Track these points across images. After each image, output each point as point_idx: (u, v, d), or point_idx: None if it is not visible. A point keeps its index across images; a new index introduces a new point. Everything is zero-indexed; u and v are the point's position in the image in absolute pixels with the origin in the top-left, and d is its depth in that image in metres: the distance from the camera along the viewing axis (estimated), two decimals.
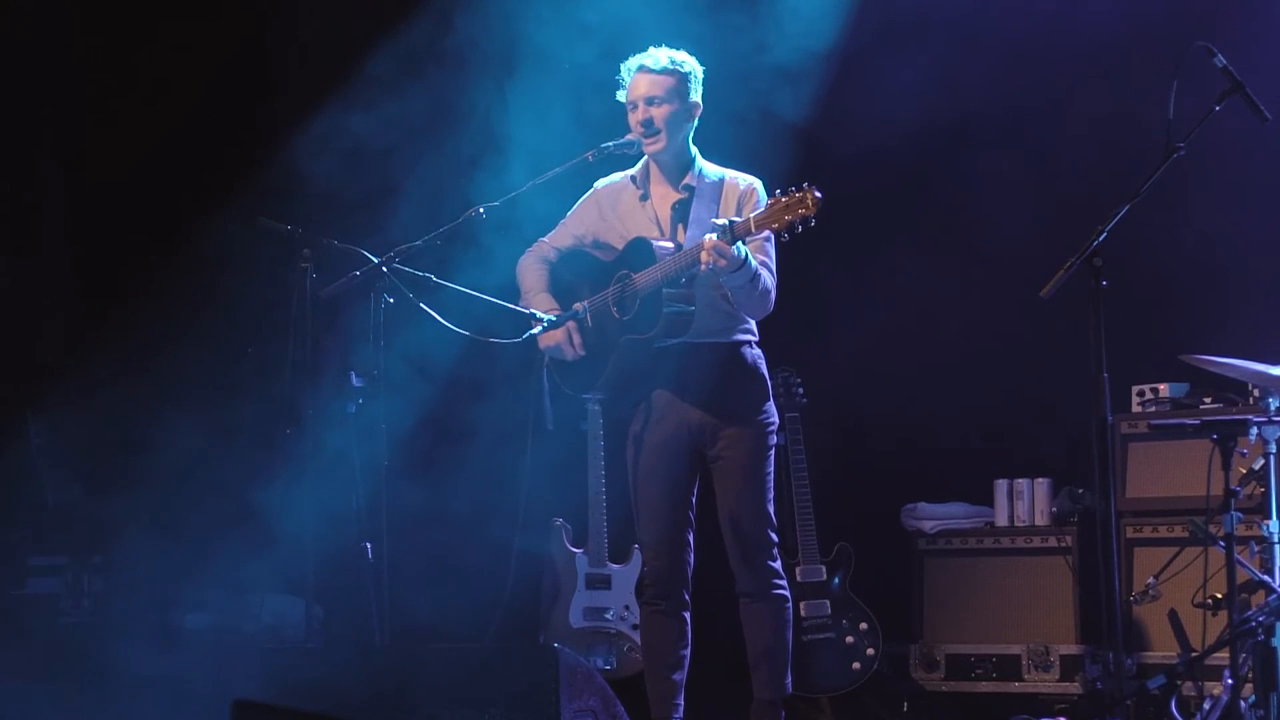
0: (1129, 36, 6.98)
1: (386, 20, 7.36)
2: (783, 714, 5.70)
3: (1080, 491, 7.07)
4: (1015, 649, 7.06)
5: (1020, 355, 7.27)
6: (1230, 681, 5.46)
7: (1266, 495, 5.60)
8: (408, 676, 5.20)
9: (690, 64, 5.68)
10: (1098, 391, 5.11)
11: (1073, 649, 6.95)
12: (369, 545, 5.67)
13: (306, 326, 5.82)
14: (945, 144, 7.40)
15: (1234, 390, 6.59)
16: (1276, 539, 5.58)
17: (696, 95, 5.67)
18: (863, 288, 7.58)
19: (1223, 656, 5.60)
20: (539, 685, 5.04)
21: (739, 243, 5.31)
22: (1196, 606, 5.87)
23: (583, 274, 5.78)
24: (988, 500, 7.31)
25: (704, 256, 5.30)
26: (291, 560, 6.17)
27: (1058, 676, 6.96)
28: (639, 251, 5.58)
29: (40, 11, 7.86)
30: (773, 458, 5.68)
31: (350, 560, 5.70)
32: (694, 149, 5.71)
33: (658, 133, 5.62)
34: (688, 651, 5.72)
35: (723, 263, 5.29)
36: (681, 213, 5.66)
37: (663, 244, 5.56)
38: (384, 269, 5.68)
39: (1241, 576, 5.52)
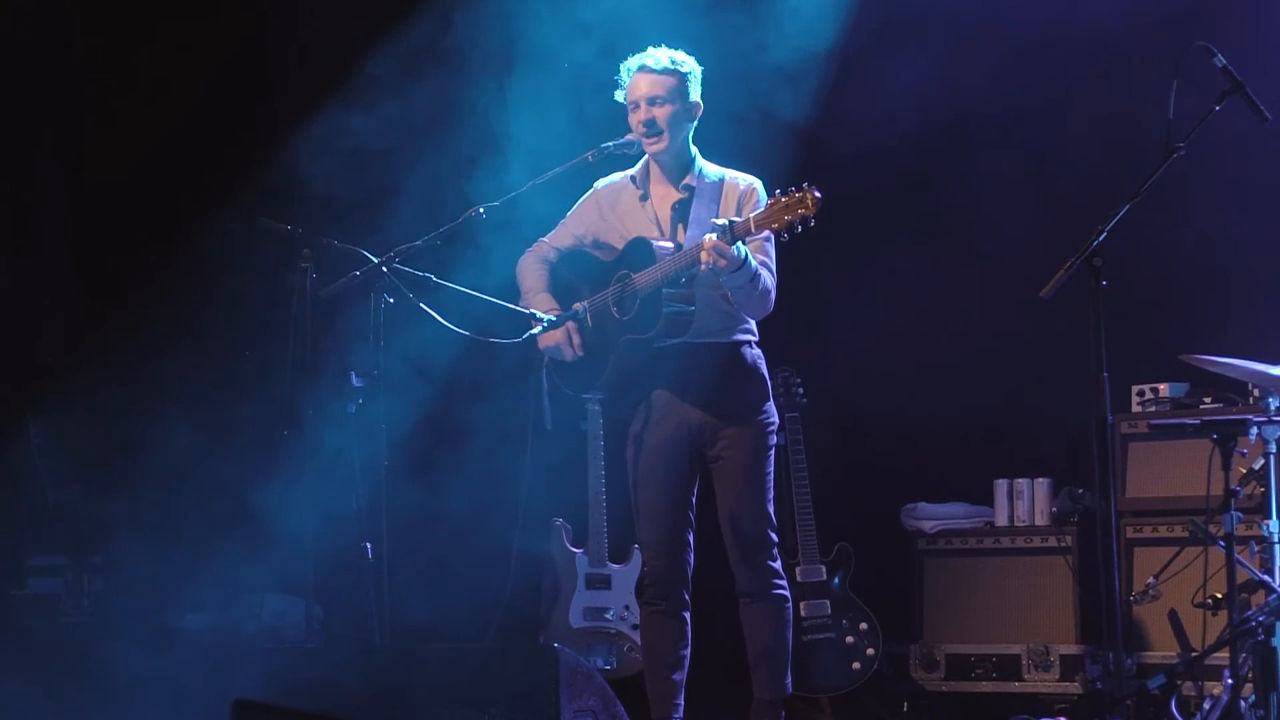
0: (1129, 36, 6.98)
1: (386, 20, 7.36)
2: (783, 714, 5.69)
3: (1080, 491, 7.07)
4: (1015, 649, 7.06)
5: (1020, 355, 7.26)
6: (1230, 681, 5.46)
7: (1266, 495, 5.59)
8: (408, 676, 5.20)
9: (690, 64, 5.68)
10: (1098, 391, 5.11)
11: (1073, 649, 6.95)
12: (369, 545, 5.67)
13: (306, 326, 5.82)
14: (945, 144, 7.40)
15: (1234, 390, 6.59)
16: (1276, 539, 5.58)
17: (697, 95, 5.67)
18: (863, 288, 7.58)
19: (1223, 656, 5.60)
20: (539, 685, 5.04)
21: (739, 243, 5.31)
22: (1196, 606, 5.87)
23: (583, 274, 5.78)
24: (988, 500, 7.31)
25: (704, 256, 5.30)
26: (291, 560, 6.17)
27: (1058, 676, 6.96)
28: (639, 251, 5.58)
29: (40, 11, 7.86)
30: (773, 458, 5.68)
31: (350, 560, 5.70)
32: (694, 149, 5.71)
33: (660, 132, 5.62)
34: (688, 651, 5.72)
35: (722, 263, 5.29)
36: (681, 213, 5.66)
37: (663, 244, 5.56)
38: (384, 269, 5.68)
39: (1241, 576, 5.51)
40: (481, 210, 5.71)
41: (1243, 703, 5.44)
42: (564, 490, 6.96)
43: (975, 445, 7.46)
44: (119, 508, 7.00)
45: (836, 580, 7.11)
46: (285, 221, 5.92)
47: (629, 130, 5.68)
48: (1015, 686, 7.04)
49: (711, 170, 5.70)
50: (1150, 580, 6.30)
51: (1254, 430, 5.57)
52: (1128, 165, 6.02)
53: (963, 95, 7.27)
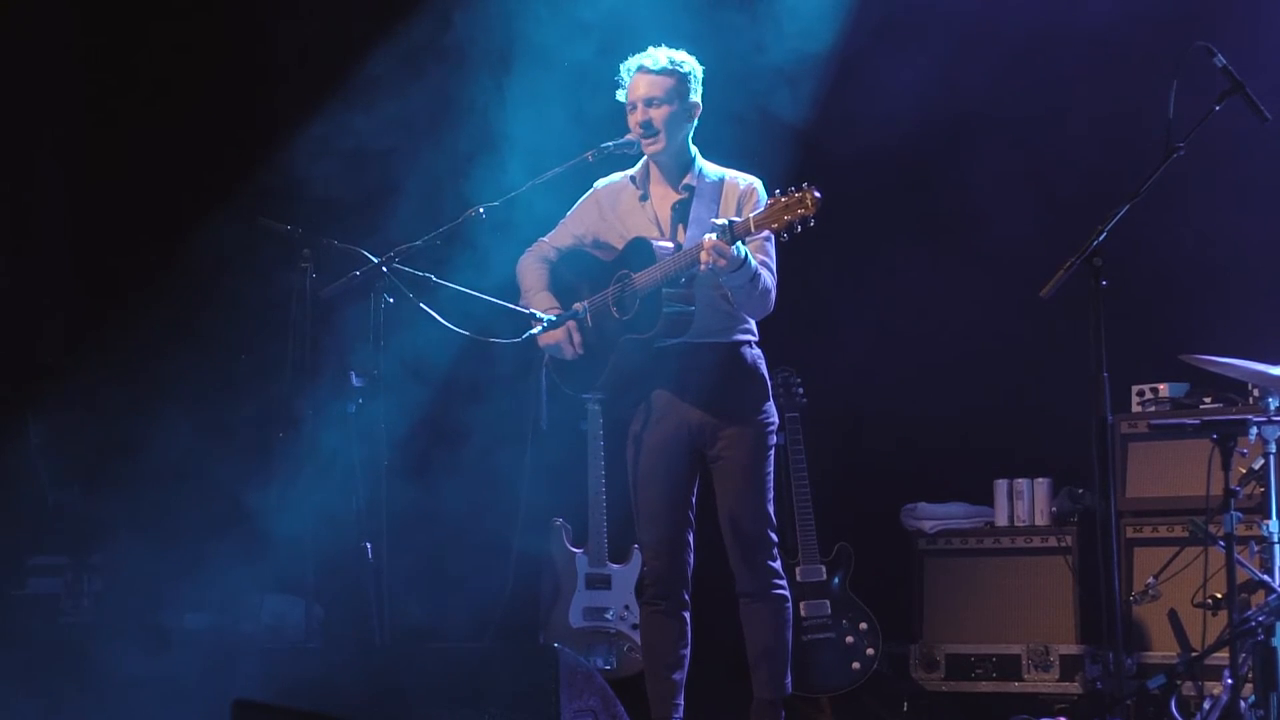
0: (1129, 36, 6.98)
1: (386, 20, 7.36)
2: (783, 714, 5.69)
3: (1080, 491, 7.07)
4: (1015, 649, 7.06)
5: (1020, 355, 7.26)
6: (1230, 681, 5.46)
7: (1266, 495, 5.60)
8: (407, 677, 5.20)
9: (690, 64, 5.67)
10: (1098, 391, 5.11)
11: (1073, 649, 6.94)
12: (369, 545, 5.67)
13: (306, 327, 5.82)
14: (945, 144, 7.40)
15: (1234, 390, 6.59)
16: (1276, 539, 5.58)
17: (696, 95, 5.66)
18: (863, 288, 7.59)
19: (1223, 656, 5.60)
20: (539, 685, 5.04)
21: (739, 242, 5.31)
22: (1196, 606, 5.87)
23: (582, 274, 5.78)
24: (988, 500, 7.31)
25: (704, 256, 5.30)
26: (291, 560, 6.17)
27: (1058, 676, 6.96)
28: (639, 251, 5.58)
29: (40, 11, 7.86)
30: (773, 458, 5.67)
31: (350, 560, 5.70)
32: (694, 149, 5.71)
33: (656, 134, 5.62)
34: (688, 651, 5.72)
35: (722, 263, 5.29)
36: (681, 213, 5.65)
37: (662, 244, 5.56)
38: (384, 269, 5.68)
39: (1241, 576, 5.51)
40: (481, 210, 5.71)
41: (1243, 703, 5.44)
42: (564, 490, 6.96)
43: (975, 445, 7.45)
44: (119, 508, 6.99)
45: (836, 580, 7.11)
46: (285, 221, 5.92)
47: (629, 130, 5.68)
48: (1015, 686, 7.04)
49: (711, 170, 5.70)
50: (1150, 580, 6.30)
51: (1254, 430, 5.57)
52: (1128, 165, 6.02)
53: (963, 95, 7.26)
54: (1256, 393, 6.31)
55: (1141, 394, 6.91)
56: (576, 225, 5.84)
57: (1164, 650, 6.59)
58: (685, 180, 5.68)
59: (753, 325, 5.68)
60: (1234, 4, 6.83)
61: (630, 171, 5.79)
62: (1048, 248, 5.64)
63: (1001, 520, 7.23)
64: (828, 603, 7.06)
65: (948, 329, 7.46)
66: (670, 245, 5.56)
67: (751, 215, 5.29)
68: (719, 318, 5.59)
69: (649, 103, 5.61)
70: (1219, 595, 5.58)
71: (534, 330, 5.67)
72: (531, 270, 5.85)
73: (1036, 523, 7.14)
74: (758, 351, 5.69)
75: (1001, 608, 7.14)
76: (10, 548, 7.23)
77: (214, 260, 7.36)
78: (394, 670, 5.25)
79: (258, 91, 7.78)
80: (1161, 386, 6.85)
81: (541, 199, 5.88)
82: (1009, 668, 7.06)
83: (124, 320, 7.52)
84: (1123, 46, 7.04)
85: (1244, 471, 5.64)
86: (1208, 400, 6.69)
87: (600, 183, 5.86)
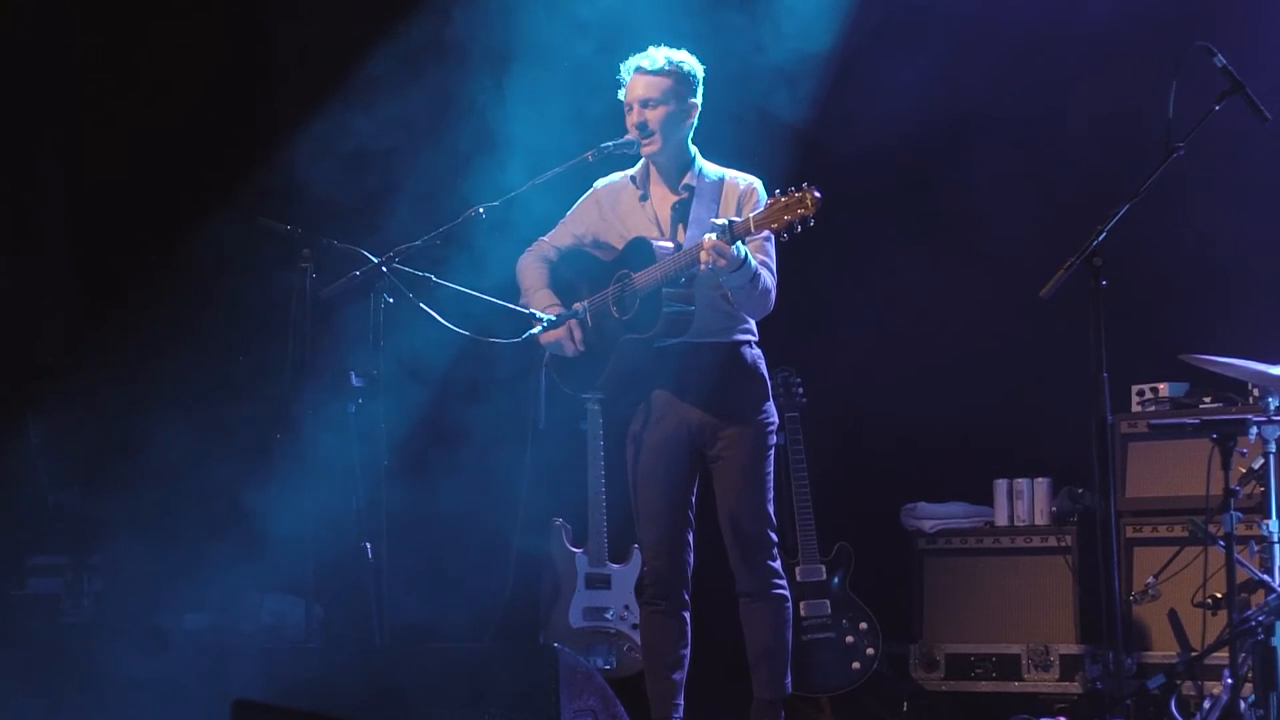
0: (1129, 36, 6.98)
1: (386, 20, 7.36)
2: (783, 714, 5.69)
3: (1080, 491, 7.07)
4: (1015, 649, 7.06)
5: (1020, 355, 7.26)
6: (1230, 681, 5.46)
7: (1266, 495, 5.59)
8: (407, 676, 5.20)
9: (690, 63, 5.66)
10: (1098, 391, 5.11)
11: (1073, 649, 6.94)
12: (369, 545, 5.67)
13: (306, 327, 5.82)
14: (945, 144, 7.40)
15: (1234, 390, 6.59)
16: (1276, 538, 5.58)
17: (695, 96, 5.65)
18: (863, 288, 7.58)
19: (1222, 656, 5.60)
20: (539, 685, 5.04)
21: (738, 242, 5.31)
22: (1196, 606, 5.86)
23: (582, 273, 5.78)
24: (988, 500, 7.31)
25: (703, 256, 5.30)
26: (291, 560, 6.17)
27: (1058, 676, 6.96)
28: (639, 251, 5.58)
29: (40, 11, 7.86)
30: (773, 458, 5.67)
31: (350, 560, 5.69)
32: (693, 149, 5.71)
33: (652, 135, 5.61)
34: (688, 651, 5.72)
35: (722, 262, 5.29)
36: (681, 213, 5.65)
37: (662, 244, 5.56)
38: (384, 269, 5.68)
39: (1241, 576, 5.51)
40: (481, 210, 5.71)
41: (1242, 702, 5.44)
42: (564, 490, 6.96)
43: (975, 445, 7.45)
44: (118, 508, 6.99)
45: (836, 580, 7.10)
46: (285, 221, 5.92)
47: (628, 130, 5.68)
48: (1015, 686, 7.04)
49: (711, 170, 5.70)
50: (1150, 580, 6.30)
51: (1254, 430, 5.57)
52: (1128, 165, 6.02)
53: (963, 95, 7.26)
54: (1256, 392, 6.31)
55: (1141, 394, 6.91)
56: (576, 225, 5.84)
57: (1164, 650, 6.59)
58: (685, 180, 5.68)
59: (753, 325, 5.68)
60: (1234, 4, 6.83)
61: (630, 171, 5.78)
62: (1048, 248, 5.64)
63: (1001, 520, 7.23)
64: (828, 602, 7.06)
65: (948, 329, 7.46)
66: (670, 245, 5.56)
67: (751, 215, 5.29)
68: (719, 318, 5.59)
69: (645, 104, 5.61)
70: (1219, 595, 5.58)
71: (534, 330, 5.67)
72: (531, 269, 5.85)
73: (1036, 523, 7.14)
74: (758, 351, 5.69)
75: (1001, 607, 7.14)
76: (10, 548, 7.23)
77: (214, 260, 7.36)
78: (394, 670, 5.25)
79: (258, 91, 7.78)
80: (1161, 386, 6.85)
81: (541, 199, 5.88)
82: (1009, 667, 7.06)
83: (124, 320, 7.52)
84: (1123, 46, 7.04)
85: (1244, 471, 5.64)
86: (1207, 400, 6.69)
87: (600, 182, 5.85)
